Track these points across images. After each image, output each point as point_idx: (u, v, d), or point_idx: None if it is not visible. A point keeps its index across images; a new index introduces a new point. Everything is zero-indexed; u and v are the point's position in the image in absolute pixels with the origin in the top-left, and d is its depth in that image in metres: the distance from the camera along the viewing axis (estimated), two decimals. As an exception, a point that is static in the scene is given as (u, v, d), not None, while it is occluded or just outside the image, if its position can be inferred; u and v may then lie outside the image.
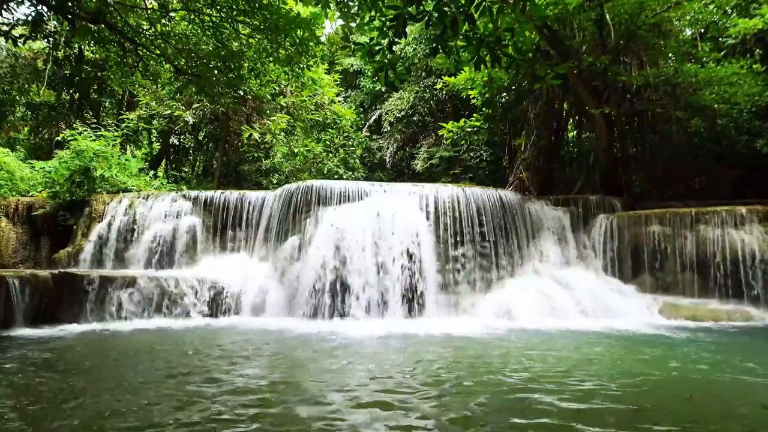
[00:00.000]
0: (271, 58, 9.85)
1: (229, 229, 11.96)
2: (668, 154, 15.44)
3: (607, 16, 12.79)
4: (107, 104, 21.20)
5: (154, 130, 21.15)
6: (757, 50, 14.56)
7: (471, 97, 17.08)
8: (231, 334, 7.72)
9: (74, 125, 16.82)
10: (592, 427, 3.49)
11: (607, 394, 4.34)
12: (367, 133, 22.13)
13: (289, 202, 11.18)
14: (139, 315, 8.80)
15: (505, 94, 17.15)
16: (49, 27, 12.90)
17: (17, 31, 7.88)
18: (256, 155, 18.55)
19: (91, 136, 13.79)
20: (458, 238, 10.86)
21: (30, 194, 13.77)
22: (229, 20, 9.08)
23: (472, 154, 18.59)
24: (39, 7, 7.46)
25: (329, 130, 19.08)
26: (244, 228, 11.92)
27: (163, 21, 9.74)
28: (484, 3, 4.23)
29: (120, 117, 18.72)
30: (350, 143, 19.90)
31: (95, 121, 18.25)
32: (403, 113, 20.75)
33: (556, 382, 4.70)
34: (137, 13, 9.62)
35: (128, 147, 20.13)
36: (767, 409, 4.11)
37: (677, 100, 13.80)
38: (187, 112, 17.21)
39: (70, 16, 7.73)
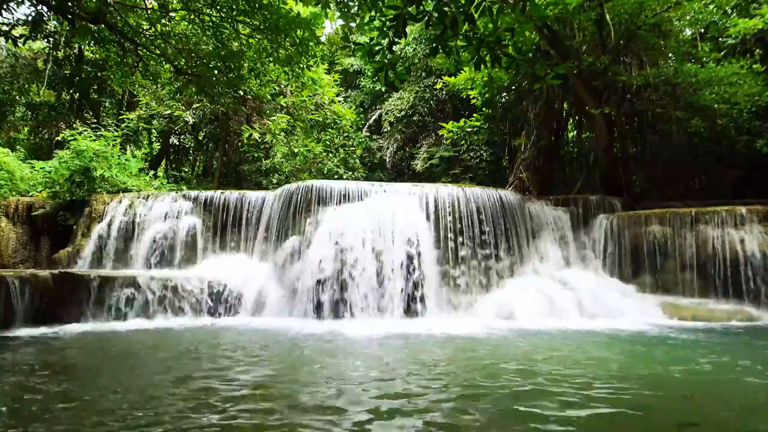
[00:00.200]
0: (271, 58, 9.85)
1: (229, 229, 11.96)
2: (668, 154, 15.44)
3: (607, 16, 12.78)
4: (107, 104, 21.20)
5: (154, 130, 21.15)
6: (757, 50, 14.55)
7: (471, 97, 17.08)
8: (231, 334, 7.72)
9: (74, 125, 16.82)
10: (591, 427, 3.49)
11: (607, 393, 4.34)
12: (367, 133, 22.13)
13: (289, 202, 11.18)
14: (139, 315, 8.80)
15: (505, 94, 17.15)
16: (49, 27, 12.94)
17: (17, 31, 7.88)
18: (256, 155, 18.56)
19: (91, 136, 13.78)
20: (458, 238, 10.86)
21: (30, 194, 13.77)
22: (229, 20, 9.08)
23: (472, 154, 18.59)
24: (39, 7, 7.46)
25: (329, 130, 19.08)
26: (244, 228, 11.92)
27: (163, 21, 9.74)
28: (484, 3, 4.23)
29: (120, 117, 18.71)
30: (350, 143, 19.90)
31: (95, 121, 18.25)
32: (403, 113, 20.75)
33: (555, 382, 4.70)
34: (137, 13, 9.62)
35: (128, 147, 20.13)
36: (765, 409, 4.11)
37: (677, 100, 13.80)
38: (187, 112, 17.21)
39: (70, 16, 7.73)
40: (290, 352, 6.38)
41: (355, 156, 19.84)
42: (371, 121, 22.66)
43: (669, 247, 10.91)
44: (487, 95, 16.19)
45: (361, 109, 23.55)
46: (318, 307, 9.43)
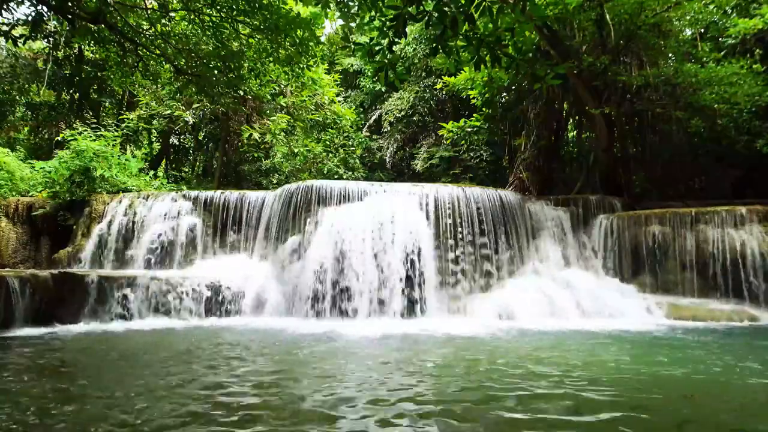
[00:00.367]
0: (271, 58, 9.85)
1: (229, 229, 11.96)
2: (668, 154, 15.44)
3: (607, 16, 12.79)
4: (107, 104, 21.21)
5: (154, 130, 21.16)
6: (757, 50, 14.56)
7: (471, 97, 17.08)
8: (231, 334, 7.72)
9: (74, 125, 16.83)
10: (591, 427, 3.49)
11: (607, 393, 4.34)
12: (367, 133, 22.13)
13: (289, 202, 11.18)
14: (139, 315, 8.80)
15: (505, 94, 17.15)
16: (49, 27, 12.94)
17: (17, 31, 7.88)
18: (256, 155, 18.56)
19: (91, 136, 13.79)
20: (458, 238, 10.87)
21: (30, 194, 13.77)
22: (229, 20, 9.08)
23: (472, 154, 18.59)
24: (39, 7, 7.46)
25: (329, 130, 19.09)
26: (244, 228, 11.93)
27: (163, 21, 9.74)
28: (484, 3, 4.23)
29: (120, 117, 18.72)
30: (350, 143, 19.90)
31: (95, 121, 18.25)
32: (403, 113, 20.75)
33: (555, 383, 4.70)
34: (137, 13, 9.62)
35: (128, 147, 20.14)
36: (765, 409, 4.11)
37: (677, 100, 13.80)
38: (187, 112, 17.21)
39: (70, 16, 7.73)
40: (290, 352, 6.38)
41: (355, 156, 19.84)
42: (371, 121, 22.66)
43: (669, 247, 10.91)
44: (487, 95, 16.20)
45: (361, 109, 23.55)
46: (318, 307, 9.43)
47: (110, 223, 11.82)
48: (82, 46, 16.91)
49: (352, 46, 17.56)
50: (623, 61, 14.36)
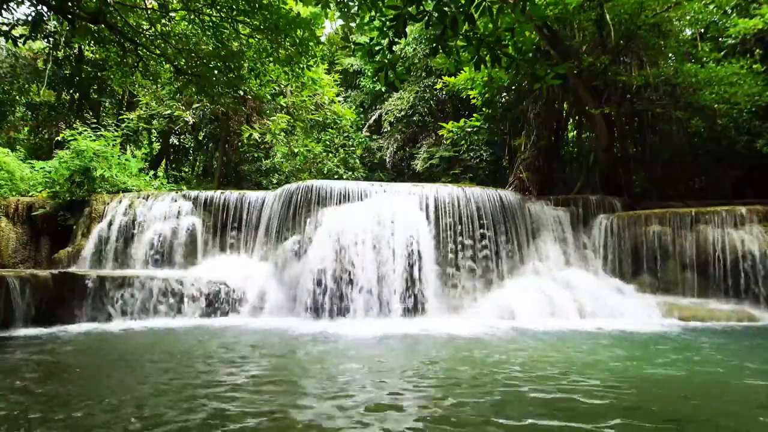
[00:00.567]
0: (271, 58, 9.85)
1: (229, 229, 11.96)
2: (668, 154, 15.44)
3: (607, 16, 12.78)
4: (107, 104, 21.20)
5: (154, 130, 21.15)
6: (757, 50, 14.55)
7: (471, 97, 17.08)
8: (231, 334, 7.72)
9: (74, 125, 16.82)
10: (588, 426, 3.49)
11: (606, 394, 4.34)
12: (367, 133, 22.13)
13: (289, 202, 11.18)
14: (139, 315, 8.80)
15: (505, 94, 17.15)
16: (49, 27, 12.93)
17: (17, 31, 7.88)
18: (256, 155, 18.56)
19: (91, 136, 13.78)
20: (458, 238, 10.86)
21: (30, 194, 13.77)
22: (229, 20, 9.08)
23: (472, 154, 18.59)
24: (39, 7, 7.46)
25: (329, 130, 19.08)
26: (244, 228, 11.92)
27: (163, 21, 9.73)
28: (484, 3, 4.22)
29: (120, 117, 18.72)
30: (350, 143, 19.90)
31: (95, 121, 18.25)
32: (403, 113, 20.75)
33: (556, 383, 4.70)
34: (137, 13, 9.62)
35: (128, 147, 20.13)
36: (765, 409, 4.11)
37: (677, 100, 13.80)
38: (187, 112, 17.21)
39: (70, 16, 7.73)
40: (290, 353, 6.38)
41: (355, 156, 19.84)
42: (371, 121, 22.66)
43: (669, 247, 10.91)
44: (487, 95, 16.19)
45: (361, 109, 23.55)
46: (318, 307, 9.43)
47: (110, 223, 11.82)
48: (82, 46, 16.91)
49: (352, 46, 17.56)
50: (623, 61, 14.35)
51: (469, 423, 3.62)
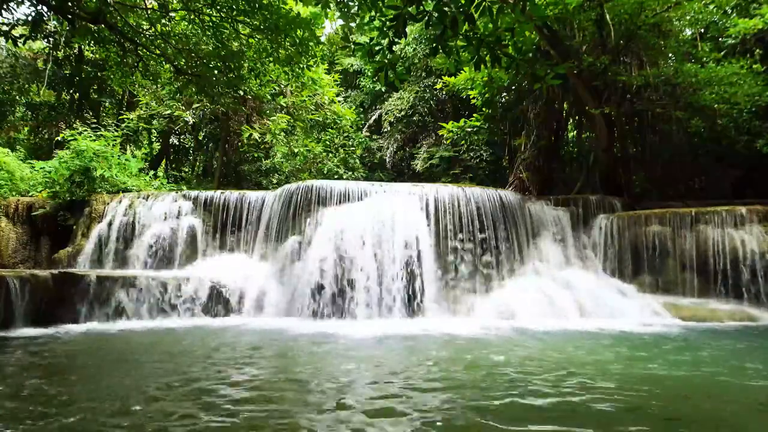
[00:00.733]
0: (271, 58, 9.85)
1: (229, 229, 11.96)
2: (668, 154, 15.44)
3: (607, 16, 12.78)
4: (107, 104, 21.20)
5: (154, 130, 21.15)
6: (757, 50, 14.55)
7: (471, 97, 17.08)
8: (231, 334, 7.72)
9: (74, 125, 16.82)
10: (588, 425, 3.49)
11: (606, 394, 4.34)
12: (367, 133, 22.13)
13: (289, 202, 11.18)
14: (139, 315, 8.80)
15: (505, 94, 17.15)
16: (49, 27, 12.95)
17: (17, 31, 7.88)
18: (256, 155, 18.56)
19: (91, 136, 13.78)
20: (458, 238, 10.86)
21: (30, 194, 13.77)
22: (229, 20, 9.08)
23: (472, 154, 18.59)
24: (39, 7, 7.46)
25: (329, 130, 19.09)
26: (244, 228, 11.92)
27: (163, 21, 9.74)
28: (484, 3, 4.23)
29: (120, 117, 18.71)
30: (350, 143, 19.90)
31: (95, 121, 18.25)
32: (403, 113, 20.75)
33: (556, 383, 4.70)
34: (137, 13, 9.62)
35: (128, 147, 20.14)
36: (764, 409, 4.11)
37: (677, 100, 13.80)
38: (187, 112, 17.21)
39: (70, 16, 7.73)
40: (290, 353, 6.38)
41: (355, 156, 19.84)
42: (371, 121, 22.66)
43: (669, 247, 10.91)
44: (487, 95, 16.19)
45: (361, 109, 23.55)
46: (318, 308, 9.43)
47: (110, 223, 11.82)
48: (82, 46, 16.91)
49: (352, 46, 17.56)
50: (623, 61, 14.36)
51: (470, 424, 3.62)
